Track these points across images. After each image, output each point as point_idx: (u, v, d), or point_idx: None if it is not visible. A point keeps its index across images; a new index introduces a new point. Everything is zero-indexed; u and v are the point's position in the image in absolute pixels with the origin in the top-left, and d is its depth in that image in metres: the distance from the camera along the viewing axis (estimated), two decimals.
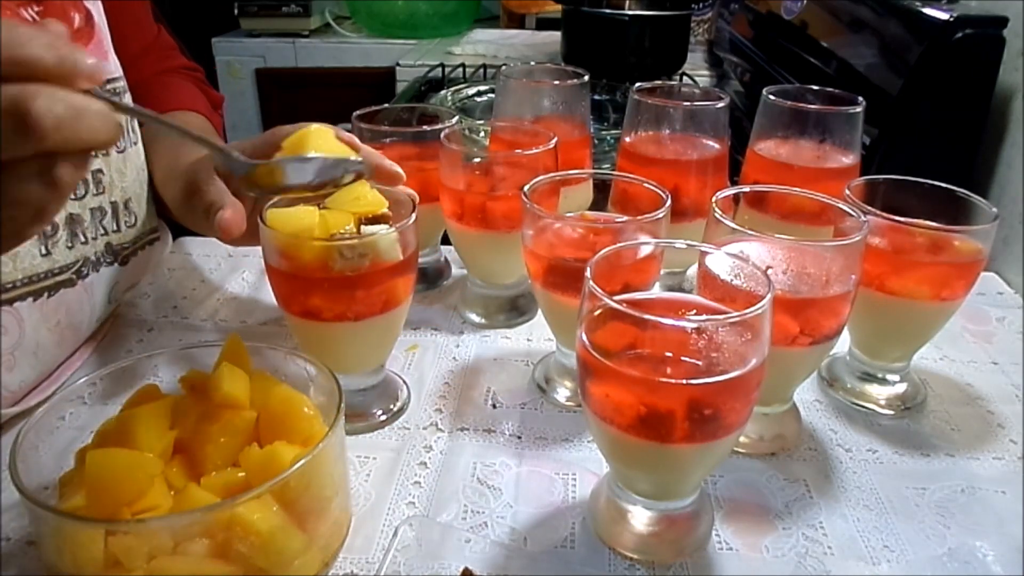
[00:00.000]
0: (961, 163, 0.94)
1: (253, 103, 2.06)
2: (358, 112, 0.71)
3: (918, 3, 0.95)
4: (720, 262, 0.48)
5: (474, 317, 0.73)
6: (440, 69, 1.58)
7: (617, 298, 0.42)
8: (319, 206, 0.54)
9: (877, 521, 0.50)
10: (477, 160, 0.70)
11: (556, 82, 0.77)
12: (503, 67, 0.81)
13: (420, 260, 0.67)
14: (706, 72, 1.71)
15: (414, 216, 0.54)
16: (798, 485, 0.53)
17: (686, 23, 1.53)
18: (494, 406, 0.61)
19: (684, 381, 0.40)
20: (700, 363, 0.41)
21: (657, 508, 0.48)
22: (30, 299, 0.56)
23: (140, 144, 0.68)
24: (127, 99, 0.65)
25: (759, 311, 0.40)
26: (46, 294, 0.57)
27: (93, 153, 0.50)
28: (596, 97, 1.32)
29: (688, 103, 0.71)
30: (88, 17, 0.62)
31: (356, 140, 0.55)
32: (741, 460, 0.55)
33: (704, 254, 0.49)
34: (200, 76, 0.88)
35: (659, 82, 0.75)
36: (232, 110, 1.94)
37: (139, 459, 0.42)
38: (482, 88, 1.39)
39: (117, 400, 0.48)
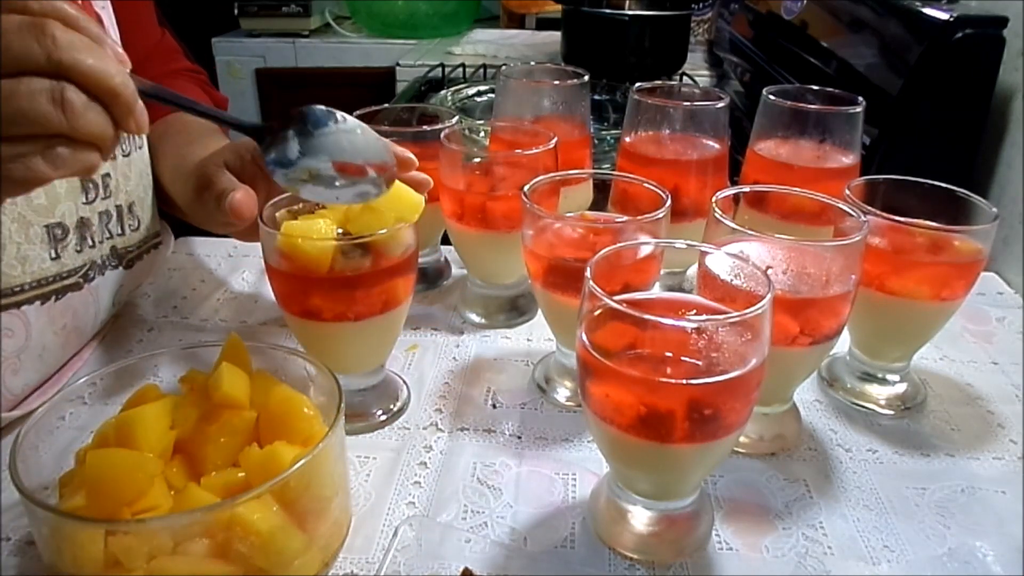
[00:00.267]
0: (961, 163, 0.94)
1: (253, 103, 2.06)
2: (358, 112, 0.71)
3: (918, 3, 0.95)
4: (720, 262, 0.48)
5: (474, 317, 0.73)
6: (440, 69, 1.58)
7: (617, 298, 0.42)
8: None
9: (877, 521, 0.50)
10: (477, 160, 0.70)
11: (556, 82, 0.77)
12: (503, 67, 0.81)
13: (420, 260, 0.67)
14: (706, 72, 1.71)
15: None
16: (798, 485, 0.53)
17: (686, 23, 1.53)
18: (494, 406, 0.61)
19: (684, 381, 0.40)
20: (700, 363, 0.41)
21: (657, 508, 0.48)
22: (37, 302, 0.56)
23: (145, 149, 0.68)
24: None
25: (759, 311, 0.40)
26: (53, 297, 0.57)
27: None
28: (596, 97, 1.32)
29: (688, 103, 0.71)
30: (98, 21, 0.62)
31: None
32: (741, 460, 0.55)
33: (704, 254, 0.49)
34: (204, 79, 0.88)
35: (659, 82, 0.75)
36: (232, 110, 1.92)
37: (139, 459, 0.42)
38: (482, 88, 1.39)
39: (117, 400, 0.48)
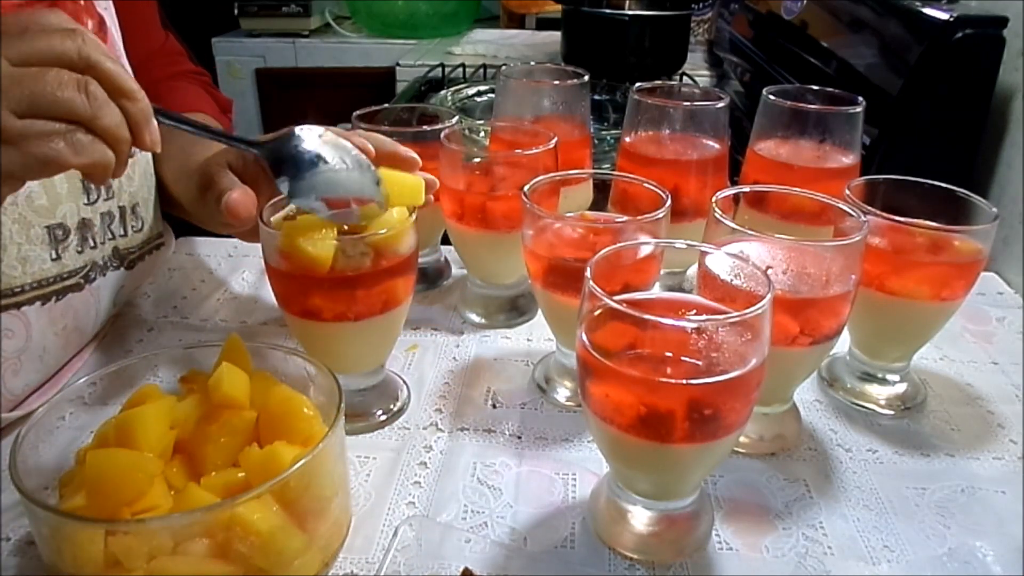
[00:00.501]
0: (961, 163, 0.94)
1: (253, 103, 2.06)
2: (358, 112, 0.71)
3: (918, 3, 0.95)
4: (720, 262, 0.48)
5: (474, 317, 0.73)
6: (440, 69, 1.58)
7: (617, 298, 0.42)
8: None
9: (877, 521, 0.50)
10: (477, 160, 0.70)
11: (556, 82, 0.77)
12: (503, 67, 0.81)
13: (420, 260, 0.67)
14: (706, 72, 1.71)
15: (414, 216, 0.54)
16: (798, 485, 0.53)
17: (686, 23, 1.53)
18: (494, 406, 0.61)
19: (684, 381, 0.40)
20: (700, 363, 0.41)
21: (657, 508, 0.48)
22: (38, 303, 0.56)
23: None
24: None
25: (759, 311, 0.40)
26: (54, 298, 0.57)
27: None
28: (596, 97, 1.32)
29: (688, 103, 0.71)
30: (101, 23, 0.62)
31: (366, 144, 0.55)
32: (741, 460, 0.55)
33: (704, 254, 0.49)
34: (207, 81, 0.88)
35: (659, 82, 0.75)
36: (235, 117, 1.94)
37: (139, 459, 0.42)
38: (482, 88, 1.39)
39: (117, 400, 0.48)
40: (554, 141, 0.66)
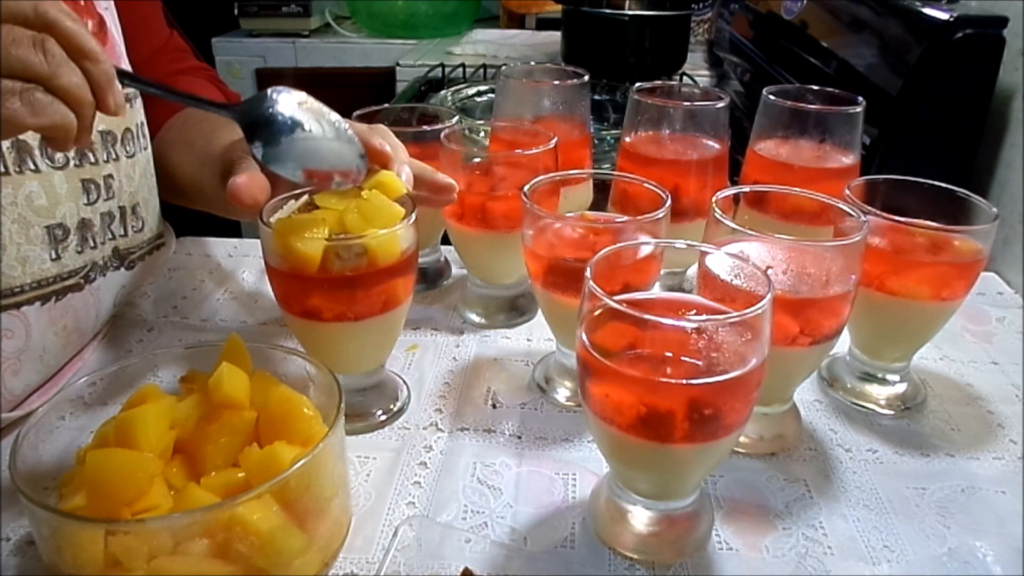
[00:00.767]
0: (961, 163, 0.94)
1: None
2: (358, 112, 0.71)
3: (918, 3, 0.95)
4: (720, 262, 0.48)
5: (474, 317, 0.73)
6: (440, 69, 1.58)
7: (617, 298, 0.42)
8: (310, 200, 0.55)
9: (877, 521, 0.50)
10: (477, 160, 0.70)
11: (556, 82, 0.77)
12: (503, 67, 0.81)
13: (420, 260, 0.67)
14: (706, 72, 1.71)
15: (414, 216, 0.54)
16: (798, 485, 0.53)
17: (686, 23, 1.53)
18: (494, 406, 0.61)
19: (684, 381, 0.40)
20: (700, 363, 0.41)
21: (657, 508, 0.48)
22: (38, 303, 0.56)
23: (149, 150, 0.68)
24: (138, 104, 0.65)
25: (759, 311, 0.40)
26: (54, 298, 0.57)
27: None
28: (596, 97, 1.32)
29: (688, 103, 0.71)
30: (101, 23, 0.62)
31: (388, 151, 0.55)
32: (741, 460, 0.55)
33: (704, 254, 0.49)
34: (213, 75, 0.88)
35: (659, 82, 0.75)
36: None
37: (139, 459, 0.42)
38: (482, 88, 1.39)
39: (117, 400, 0.48)
40: (554, 141, 0.66)
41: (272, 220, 0.53)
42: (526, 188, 0.58)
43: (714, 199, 0.53)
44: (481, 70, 1.57)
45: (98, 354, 0.67)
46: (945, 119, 0.92)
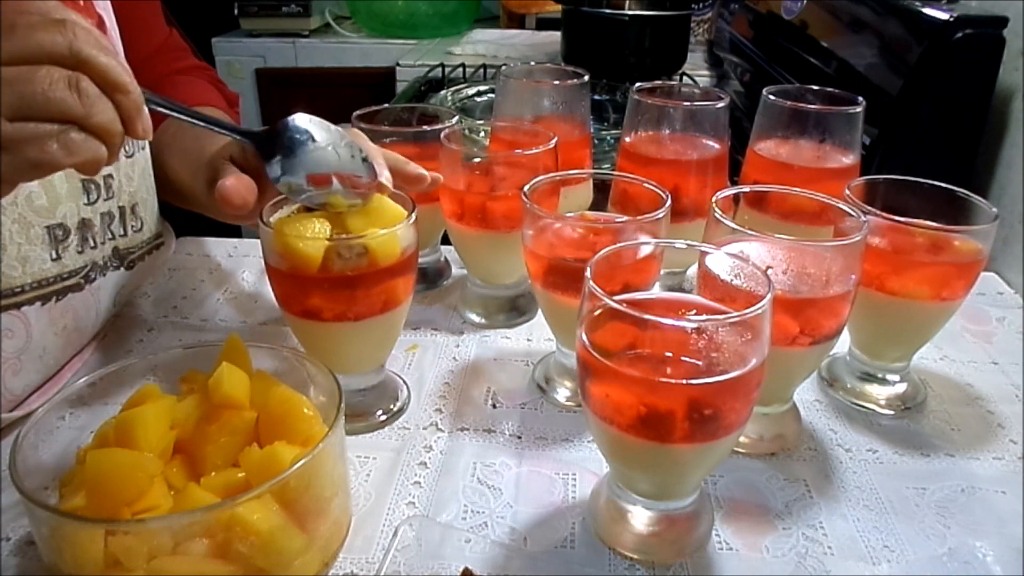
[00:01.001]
0: (961, 163, 0.94)
1: (253, 103, 2.06)
2: (358, 112, 0.71)
3: (918, 3, 0.95)
4: (720, 262, 0.48)
5: (474, 317, 0.73)
6: (440, 69, 1.58)
7: (617, 298, 0.42)
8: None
9: (877, 521, 0.50)
10: (477, 160, 0.70)
11: (556, 82, 0.77)
12: (503, 67, 0.81)
13: (420, 260, 0.67)
14: (706, 72, 1.71)
15: (414, 216, 0.54)
16: (798, 485, 0.53)
17: (686, 23, 1.53)
18: (494, 406, 0.61)
19: (684, 381, 0.40)
20: (700, 363, 0.41)
21: (657, 508, 0.48)
22: (38, 303, 0.56)
23: (147, 150, 0.68)
24: None
25: (759, 311, 0.40)
26: (54, 298, 0.57)
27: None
28: (596, 97, 1.32)
29: (688, 103, 0.71)
30: (100, 23, 0.62)
31: (373, 150, 0.57)
32: (741, 460, 0.55)
33: (704, 254, 0.49)
34: (213, 75, 0.88)
35: (659, 82, 0.75)
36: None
37: (139, 459, 0.42)
38: (482, 88, 1.39)
39: (117, 400, 0.48)
40: (554, 141, 0.66)
41: (272, 220, 0.53)
42: (526, 188, 0.58)
43: (714, 199, 0.53)
44: (481, 70, 1.57)
45: (98, 354, 0.67)
46: (945, 119, 0.92)
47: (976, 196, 0.57)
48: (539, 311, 0.71)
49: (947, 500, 0.52)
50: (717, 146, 0.70)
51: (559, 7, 1.54)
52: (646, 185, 0.59)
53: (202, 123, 0.50)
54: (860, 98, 0.68)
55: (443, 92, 1.37)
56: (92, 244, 0.60)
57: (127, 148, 0.63)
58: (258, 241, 0.55)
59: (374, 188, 0.54)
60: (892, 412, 0.61)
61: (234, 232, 0.89)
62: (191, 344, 0.66)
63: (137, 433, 0.43)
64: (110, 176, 0.61)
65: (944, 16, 0.88)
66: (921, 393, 0.63)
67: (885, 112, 0.92)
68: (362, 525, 0.49)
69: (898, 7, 0.99)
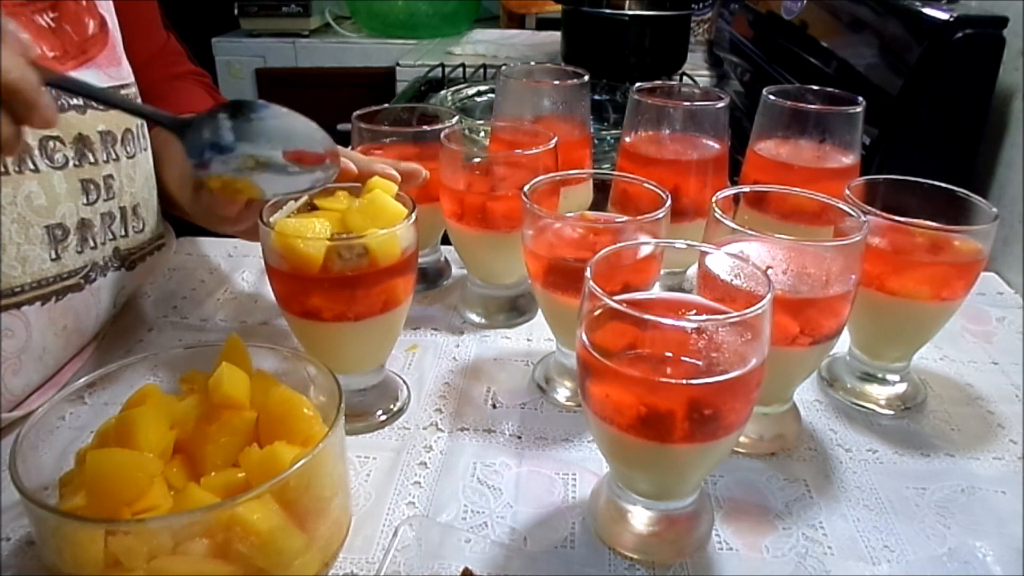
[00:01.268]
0: (961, 163, 0.94)
1: None
2: (358, 112, 0.71)
3: (918, 3, 0.95)
4: (720, 262, 0.48)
5: (474, 317, 0.73)
6: (440, 69, 1.58)
7: (617, 298, 0.42)
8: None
9: (877, 521, 0.50)
10: (477, 160, 0.70)
11: (556, 82, 0.77)
12: (503, 67, 0.81)
13: (420, 260, 0.67)
14: (706, 72, 1.71)
15: (414, 216, 0.54)
16: (798, 485, 0.53)
17: (686, 23, 1.53)
18: (494, 406, 0.61)
19: (684, 381, 0.40)
20: (700, 363, 0.41)
21: (657, 508, 0.48)
22: (38, 303, 0.56)
23: (149, 151, 0.68)
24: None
25: (759, 311, 0.40)
26: (54, 298, 0.57)
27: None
28: (596, 97, 1.32)
29: (688, 103, 0.71)
30: (102, 24, 0.62)
31: (349, 165, 0.56)
32: (741, 460, 0.55)
33: (704, 254, 0.49)
34: (208, 81, 0.88)
35: (659, 82, 0.75)
36: None
37: (139, 459, 0.42)
38: (482, 88, 1.39)
39: (117, 400, 0.48)
40: (554, 141, 0.66)
41: (272, 220, 0.53)
42: (526, 188, 0.58)
43: (714, 199, 0.53)
44: (481, 70, 1.58)
45: (98, 354, 0.67)
46: (945, 119, 0.92)
47: (976, 196, 0.57)
48: (539, 311, 0.71)
49: (947, 500, 0.52)
50: (717, 146, 0.70)
51: (559, 7, 1.54)
52: (646, 185, 0.59)
53: (120, 106, 0.48)
54: (860, 98, 0.68)
55: (443, 92, 1.37)
56: (92, 244, 0.60)
57: (128, 148, 0.63)
58: (258, 241, 0.55)
59: (336, 160, 0.51)
60: (892, 412, 0.61)
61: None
62: (191, 344, 0.66)
63: (137, 433, 0.43)
64: (111, 177, 0.61)
65: (944, 16, 0.88)
66: (921, 393, 0.63)
67: (885, 112, 0.92)
68: (362, 525, 0.49)
69: (898, 7, 0.99)
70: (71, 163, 0.57)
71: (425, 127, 0.71)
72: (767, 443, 0.56)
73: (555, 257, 0.57)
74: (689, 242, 0.49)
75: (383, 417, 0.59)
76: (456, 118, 0.72)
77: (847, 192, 0.56)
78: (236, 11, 2.00)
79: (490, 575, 0.45)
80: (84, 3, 0.60)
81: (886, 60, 0.98)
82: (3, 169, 0.52)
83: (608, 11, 1.44)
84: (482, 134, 0.92)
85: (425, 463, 0.55)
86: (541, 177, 0.61)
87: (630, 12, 1.43)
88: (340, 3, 2.14)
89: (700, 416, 0.41)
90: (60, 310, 0.58)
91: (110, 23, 0.63)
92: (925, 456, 0.56)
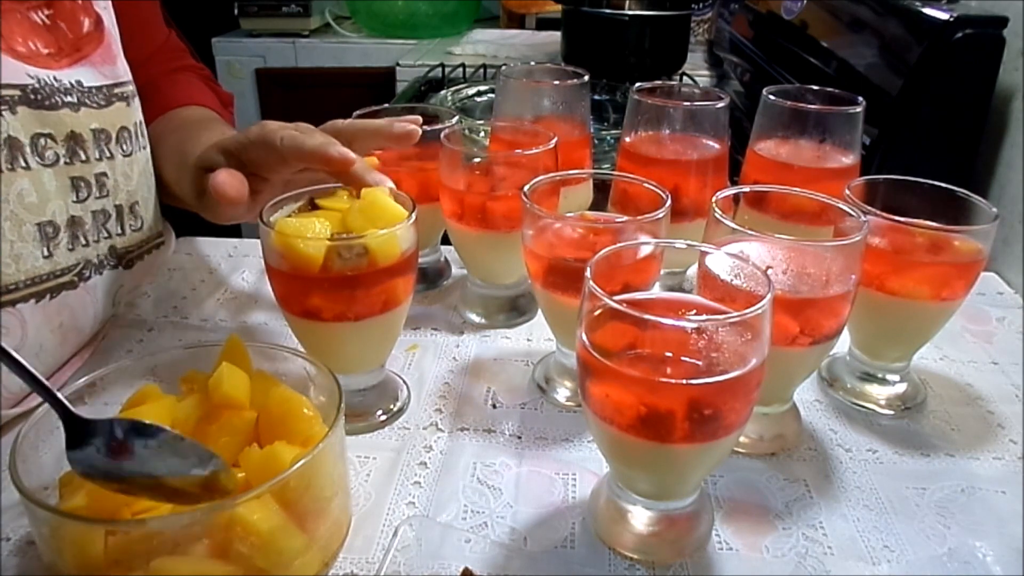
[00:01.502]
0: (961, 163, 0.94)
1: (253, 103, 2.06)
2: (358, 112, 0.71)
3: (918, 3, 0.95)
4: (720, 262, 0.48)
5: (474, 317, 0.73)
6: (440, 69, 1.58)
7: (617, 298, 0.42)
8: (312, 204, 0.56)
9: (877, 521, 0.50)
10: (477, 160, 0.70)
11: (556, 82, 0.77)
12: (503, 67, 0.80)
13: (420, 260, 0.67)
14: (706, 72, 1.71)
15: (414, 216, 0.54)
16: (798, 485, 0.53)
17: (686, 23, 1.53)
18: (494, 406, 0.61)
19: (684, 381, 0.40)
20: (700, 363, 0.41)
21: (657, 508, 0.48)
22: (32, 300, 0.56)
23: (147, 148, 0.68)
24: (135, 103, 0.65)
25: (759, 311, 0.40)
26: (48, 295, 0.57)
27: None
28: (596, 97, 1.32)
29: (688, 103, 0.71)
30: (98, 21, 0.62)
31: (348, 155, 0.57)
32: (741, 460, 0.55)
33: (704, 254, 0.49)
34: (208, 75, 0.88)
35: (659, 82, 0.75)
36: (235, 114, 1.94)
37: None
38: (482, 88, 1.39)
39: (117, 400, 0.48)
40: (554, 141, 0.66)
41: (272, 220, 0.53)
42: (526, 188, 0.58)
43: (714, 199, 0.53)
44: (481, 70, 1.58)
45: (98, 354, 0.67)
46: (945, 119, 0.92)
47: (976, 196, 0.57)
48: (539, 311, 0.71)
49: (947, 500, 0.52)
50: (717, 146, 0.70)
51: (559, 7, 1.54)
52: (646, 185, 0.59)
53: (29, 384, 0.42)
54: (860, 98, 0.68)
55: (443, 92, 1.37)
56: (84, 242, 0.60)
57: (124, 146, 0.63)
58: (258, 241, 0.55)
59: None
60: (892, 412, 0.61)
61: (234, 232, 0.90)
62: (191, 344, 0.66)
63: None
64: (104, 175, 0.61)
65: (944, 16, 0.88)
66: (921, 393, 0.63)
67: (885, 112, 0.92)
68: (362, 525, 0.49)
69: (898, 7, 0.99)
70: (62, 160, 0.57)
71: (425, 127, 0.71)
72: (767, 443, 0.56)
73: (555, 257, 0.57)
74: (689, 242, 0.49)
75: (383, 417, 0.59)
76: (456, 118, 0.72)
77: (847, 192, 0.56)
78: (236, 11, 2.00)
79: (490, 575, 0.45)
80: (80, 1, 0.60)
81: (886, 60, 0.98)
82: None
83: (608, 11, 1.44)
84: (482, 134, 0.92)
85: (425, 463, 0.55)
86: (541, 177, 0.61)
87: (630, 12, 1.43)
88: (340, 3, 2.14)
89: (700, 416, 0.41)
90: (55, 307, 0.58)
91: (106, 21, 0.63)
92: (925, 456, 0.56)
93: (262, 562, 0.40)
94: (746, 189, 0.63)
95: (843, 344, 0.61)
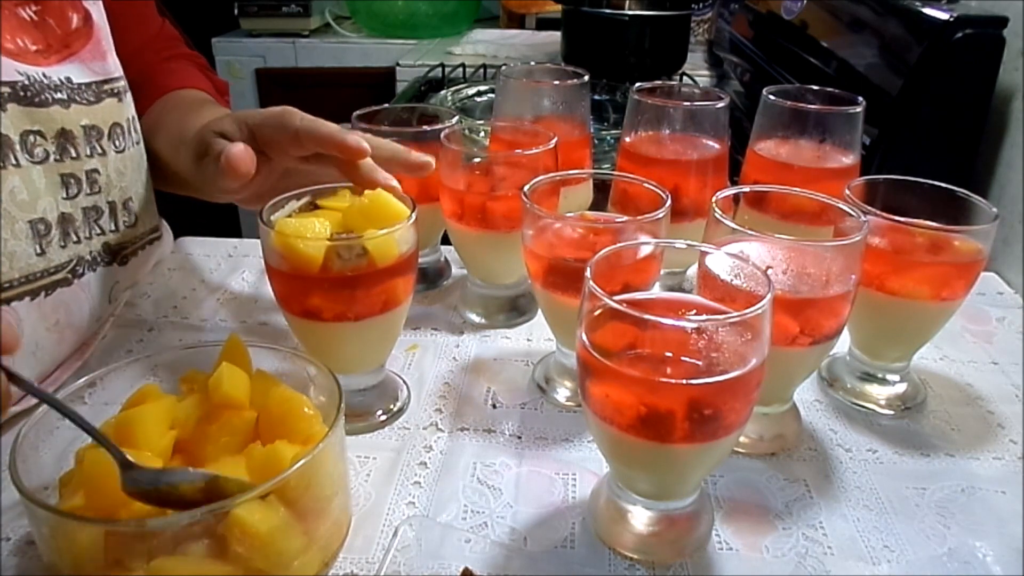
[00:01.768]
0: (961, 163, 0.94)
1: (253, 103, 2.06)
2: (358, 112, 0.71)
3: (918, 3, 0.95)
4: (720, 262, 0.48)
5: (474, 317, 0.73)
6: (440, 69, 1.58)
7: (617, 298, 0.42)
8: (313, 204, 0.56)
9: (877, 521, 0.50)
10: (477, 160, 0.70)
11: (556, 82, 0.77)
12: (503, 67, 0.80)
13: (420, 260, 0.67)
14: (706, 72, 1.71)
15: (414, 216, 0.54)
16: (798, 485, 0.53)
17: (686, 23, 1.53)
18: (494, 406, 0.61)
19: (684, 381, 0.40)
20: (700, 363, 0.41)
21: (657, 508, 0.48)
22: (27, 298, 0.56)
23: (141, 144, 0.68)
24: (128, 99, 0.65)
25: (759, 311, 0.40)
26: (43, 293, 0.57)
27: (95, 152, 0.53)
28: (596, 97, 1.32)
29: (688, 103, 0.71)
30: (87, 17, 0.62)
31: (362, 144, 0.56)
32: (741, 460, 0.55)
33: (704, 254, 0.49)
34: (203, 63, 0.88)
35: (659, 82, 0.75)
36: (233, 109, 1.94)
37: (139, 459, 0.42)
38: (482, 88, 1.39)
39: (117, 400, 0.48)
40: (554, 141, 0.66)
41: (272, 220, 0.53)
42: (526, 188, 0.58)
43: (714, 199, 0.53)
44: (481, 70, 1.58)
45: (98, 354, 0.67)
46: (945, 119, 0.92)
47: (976, 196, 0.57)
48: (539, 311, 0.71)
49: (947, 500, 0.52)
50: (717, 146, 0.70)
51: (559, 7, 1.54)
52: (646, 185, 0.59)
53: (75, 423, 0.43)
54: (860, 98, 0.68)
55: (443, 92, 1.37)
56: (75, 239, 0.60)
57: (117, 143, 0.63)
58: (258, 241, 0.55)
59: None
60: (892, 412, 0.61)
61: (234, 232, 0.90)
62: (191, 344, 0.66)
63: (137, 433, 0.43)
64: (95, 171, 0.61)
65: (944, 16, 0.88)
66: (921, 393, 0.63)
67: (885, 112, 0.92)
68: (362, 525, 0.49)
69: (898, 7, 0.99)
70: (52, 158, 0.57)
71: (425, 127, 0.71)
72: (767, 443, 0.56)
73: (555, 257, 0.57)
74: (689, 242, 0.49)
75: (383, 417, 0.59)
76: (456, 118, 0.72)
77: (847, 192, 0.56)
78: (236, 11, 2.00)
79: (490, 575, 0.45)
80: None
81: (886, 60, 0.98)
82: None
83: (608, 11, 1.44)
84: (482, 134, 0.92)
85: (425, 463, 0.55)
86: (541, 177, 0.61)
87: (630, 12, 1.43)
88: (340, 3, 2.14)
89: (700, 416, 0.41)
90: (50, 305, 0.58)
91: (95, 17, 0.63)
92: (925, 456, 0.56)
93: (262, 562, 0.40)
94: (746, 189, 0.63)
95: (843, 344, 0.61)
